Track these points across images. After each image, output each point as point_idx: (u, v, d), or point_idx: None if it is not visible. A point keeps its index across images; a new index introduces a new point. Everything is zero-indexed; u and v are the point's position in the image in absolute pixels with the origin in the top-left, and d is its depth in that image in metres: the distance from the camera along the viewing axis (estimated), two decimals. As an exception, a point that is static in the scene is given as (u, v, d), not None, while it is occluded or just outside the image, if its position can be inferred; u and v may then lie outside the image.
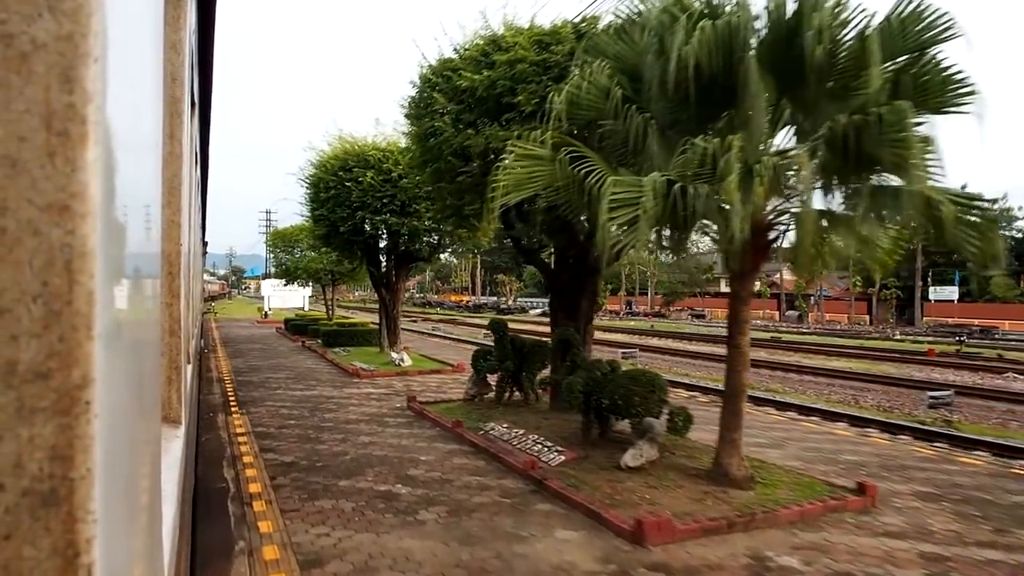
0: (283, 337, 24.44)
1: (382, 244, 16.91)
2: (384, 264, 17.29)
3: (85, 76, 0.52)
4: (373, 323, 21.08)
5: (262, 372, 14.33)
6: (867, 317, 53.57)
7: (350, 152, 15.30)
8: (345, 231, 15.42)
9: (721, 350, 19.67)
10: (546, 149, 6.07)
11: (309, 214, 16.92)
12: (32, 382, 0.50)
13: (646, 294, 71.07)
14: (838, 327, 47.22)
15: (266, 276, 53.84)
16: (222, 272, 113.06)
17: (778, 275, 69.54)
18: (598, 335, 27.10)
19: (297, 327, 24.53)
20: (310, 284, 27.04)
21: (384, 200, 14.75)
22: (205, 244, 22.11)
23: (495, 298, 72.03)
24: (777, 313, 59.43)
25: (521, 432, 7.97)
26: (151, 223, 1.16)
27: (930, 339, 33.57)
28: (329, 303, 26.34)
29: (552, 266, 10.01)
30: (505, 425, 8.35)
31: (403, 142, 13.98)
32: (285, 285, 29.12)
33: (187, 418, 2.67)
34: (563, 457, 6.95)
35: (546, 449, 7.25)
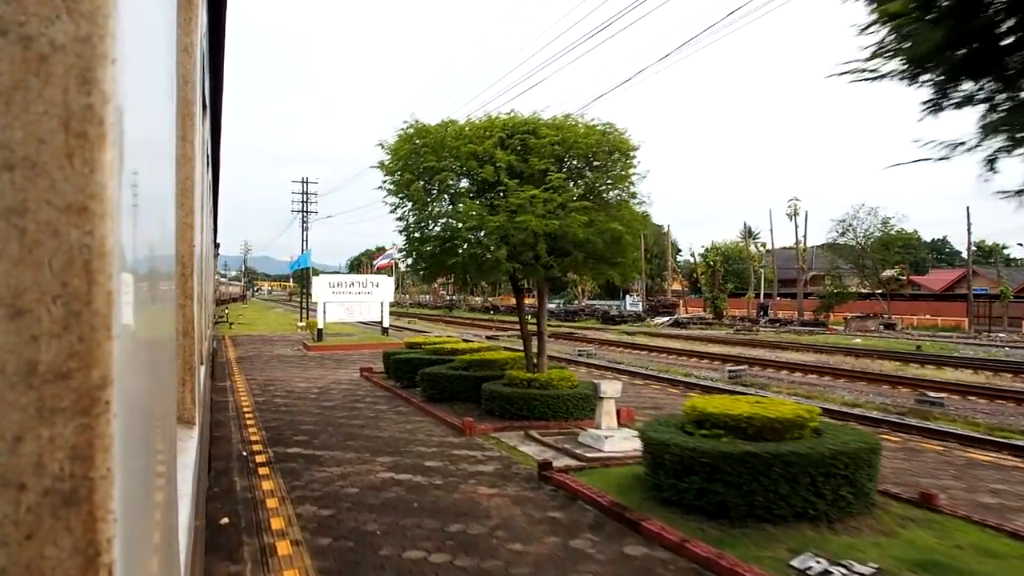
0: (411, 407, 10.57)
1: None
2: None
3: (103, 77, 0.52)
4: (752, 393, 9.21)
5: None
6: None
7: None
8: None
9: None
10: None
11: None
12: (53, 382, 0.50)
13: (775, 296, 48.90)
14: None
15: (316, 272, 33.20)
16: (233, 273, 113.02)
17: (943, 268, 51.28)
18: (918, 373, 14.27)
19: (438, 382, 10.67)
20: (410, 278, 11.92)
21: None
22: (217, 246, 22.13)
23: (554, 302, 63.20)
24: (965, 321, 38.76)
25: None
26: (165, 224, 1.17)
27: None
28: (529, 318, 11.14)
29: None
30: None
31: None
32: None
33: (200, 419, 2.69)
34: None
35: None
